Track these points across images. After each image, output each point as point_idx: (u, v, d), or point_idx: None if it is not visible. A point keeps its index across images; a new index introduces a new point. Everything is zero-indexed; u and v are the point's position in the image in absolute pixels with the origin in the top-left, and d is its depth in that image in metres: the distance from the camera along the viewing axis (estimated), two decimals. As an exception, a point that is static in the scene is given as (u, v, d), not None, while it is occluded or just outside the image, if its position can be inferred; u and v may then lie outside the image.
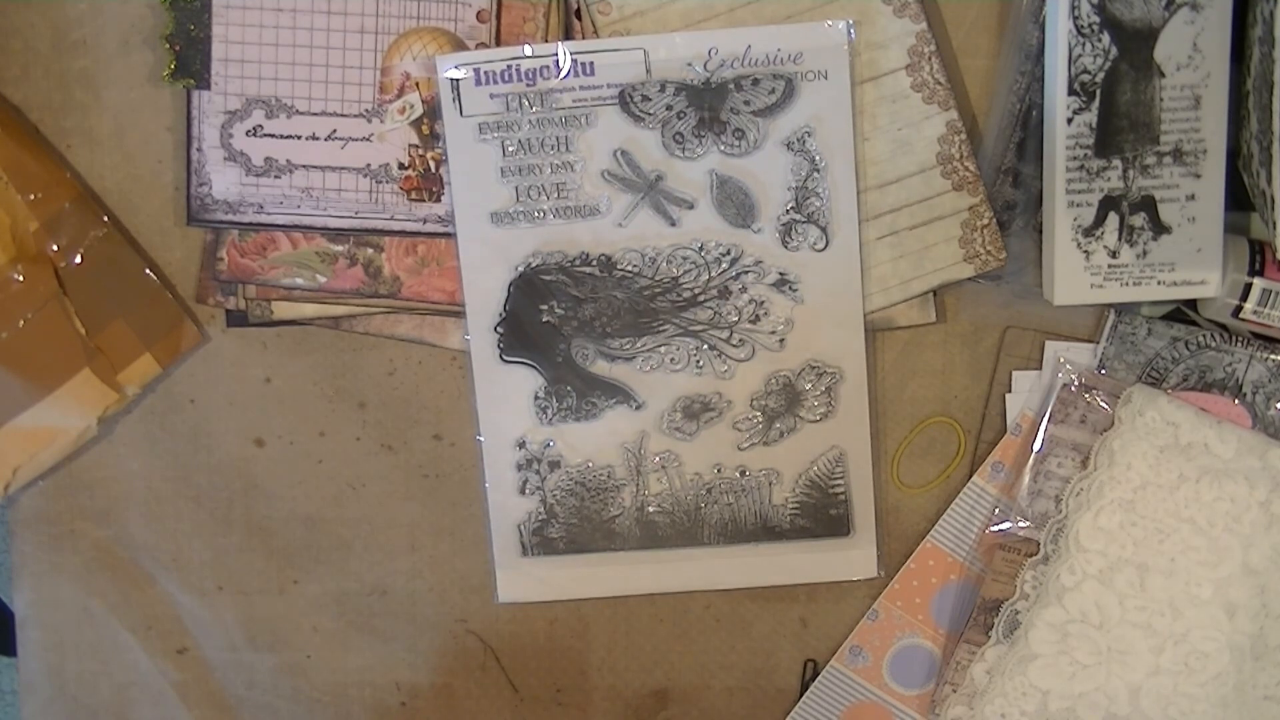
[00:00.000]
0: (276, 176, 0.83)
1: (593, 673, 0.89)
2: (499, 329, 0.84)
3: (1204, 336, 0.82)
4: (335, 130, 0.82)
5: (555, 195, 0.82)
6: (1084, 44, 0.77)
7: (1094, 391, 0.82)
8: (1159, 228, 0.79)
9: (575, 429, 0.85)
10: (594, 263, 0.83)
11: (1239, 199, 0.79)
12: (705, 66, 0.81)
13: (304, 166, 0.83)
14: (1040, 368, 0.84)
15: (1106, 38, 0.77)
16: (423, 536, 0.88)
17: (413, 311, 0.85)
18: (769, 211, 0.82)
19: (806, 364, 0.84)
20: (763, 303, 0.83)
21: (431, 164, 0.83)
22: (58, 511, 0.88)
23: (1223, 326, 0.82)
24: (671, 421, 0.84)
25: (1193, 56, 0.77)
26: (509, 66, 0.81)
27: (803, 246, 0.83)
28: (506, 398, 0.84)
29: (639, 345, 0.84)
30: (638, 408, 0.84)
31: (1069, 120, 0.78)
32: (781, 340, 0.84)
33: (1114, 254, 0.79)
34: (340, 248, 0.84)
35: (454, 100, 0.81)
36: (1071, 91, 0.78)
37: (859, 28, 0.81)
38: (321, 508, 0.88)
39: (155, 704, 0.90)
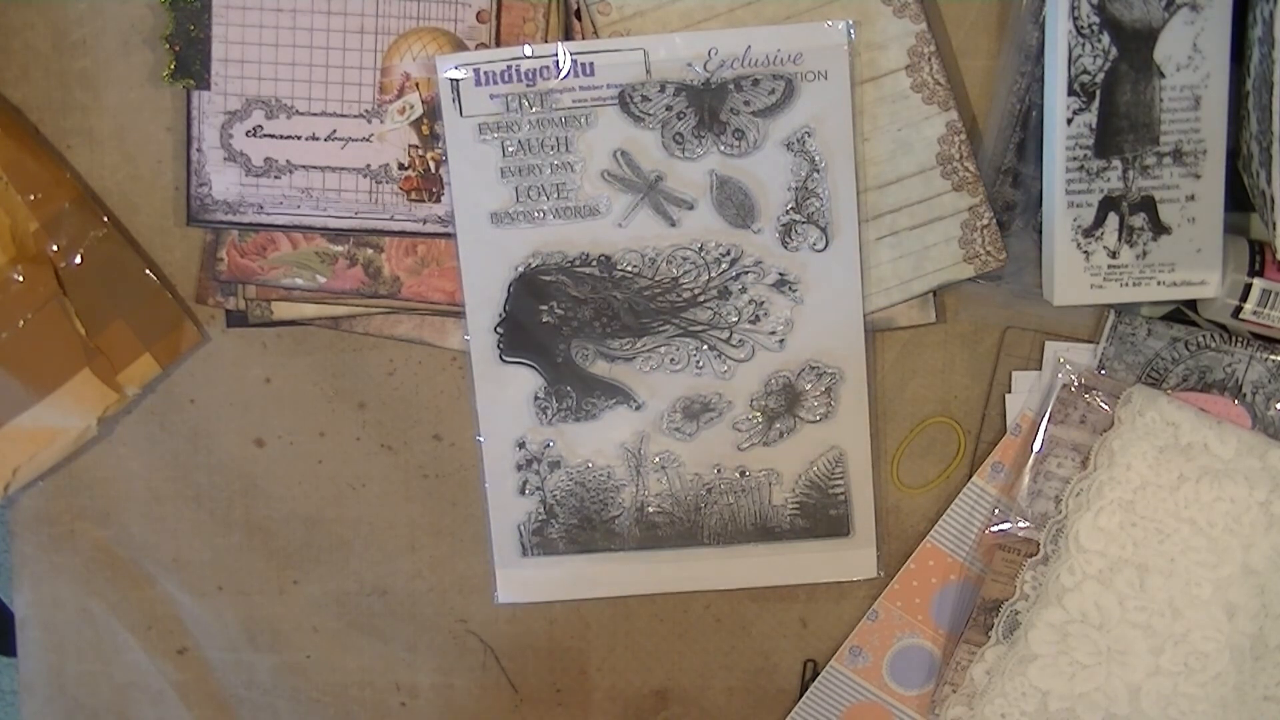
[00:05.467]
0: (276, 177, 0.83)
1: (593, 673, 0.89)
2: (499, 329, 0.84)
3: (1204, 337, 0.82)
4: (335, 130, 0.82)
5: (555, 195, 0.82)
6: (1084, 44, 0.77)
7: (1094, 392, 0.82)
8: (1159, 228, 0.79)
9: (575, 429, 0.85)
10: (594, 263, 0.83)
11: (1239, 199, 0.79)
12: (705, 67, 0.81)
13: (304, 167, 0.83)
14: (1040, 368, 0.84)
15: (1106, 38, 0.77)
16: (423, 536, 0.88)
17: (413, 311, 0.85)
18: (769, 212, 0.82)
19: (806, 364, 0.84)
20: (762, 303, 0.83)
21: (431, 164, 0.83)
22: (58, 511, 0.88)
23: (1222, 327, 0.82)
24: (671, 422, 0.84)
25: (1193, 57, 0.77)
26: (509, 67, 0.81)
27: (803, 247, 0.83)
28: (506, 398, 0.84)
29: (639, 345, 0.84)
30: (637, 408, 0.84)
31: (1069, 120, 0.78)
32: (781, 340, 0.84)
33: (1114, 254, 0.79)
34: (340, 248, 0.84)
35: (454, 100, 0.81)
36: (1071, 92, 0.78)
37: (859, 28, 0.81)
38: (321, 508, 0.88)
39: (155, 704, 0.90)
